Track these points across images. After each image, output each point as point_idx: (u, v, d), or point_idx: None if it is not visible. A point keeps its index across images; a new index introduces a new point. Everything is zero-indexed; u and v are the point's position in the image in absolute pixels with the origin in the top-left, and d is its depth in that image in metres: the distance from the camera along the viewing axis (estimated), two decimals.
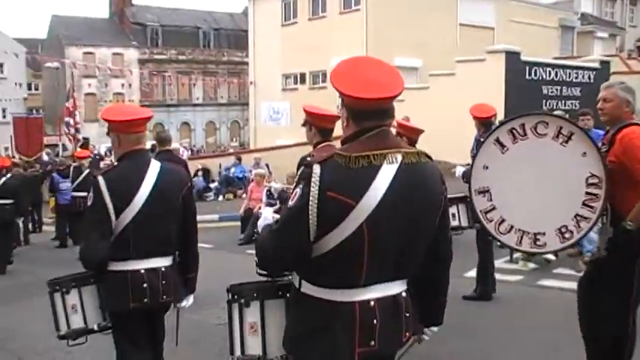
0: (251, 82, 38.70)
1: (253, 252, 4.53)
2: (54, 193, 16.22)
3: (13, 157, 25.87)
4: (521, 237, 4.90)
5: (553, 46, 35.16)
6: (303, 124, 5.53)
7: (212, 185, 25.90)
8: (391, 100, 2.76)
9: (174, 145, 11.49)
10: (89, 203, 4.08)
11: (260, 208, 14.43)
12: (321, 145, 5.42)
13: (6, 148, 30.37)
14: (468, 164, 7.85)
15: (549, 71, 21.82)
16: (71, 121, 22.82)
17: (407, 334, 2.88)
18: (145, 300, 4.12)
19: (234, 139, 60.50)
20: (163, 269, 4.23)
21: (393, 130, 3.18)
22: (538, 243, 4.88)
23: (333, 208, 2.61)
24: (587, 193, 4.65)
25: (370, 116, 2.75)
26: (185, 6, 70.83)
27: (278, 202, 14.21)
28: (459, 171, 7.80)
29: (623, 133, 4.67)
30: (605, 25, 46.02)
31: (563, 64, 23.41)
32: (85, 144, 25.54)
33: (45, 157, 29.50)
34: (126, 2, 61.39)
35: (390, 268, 2.78)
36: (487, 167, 4.89)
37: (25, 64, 57.37)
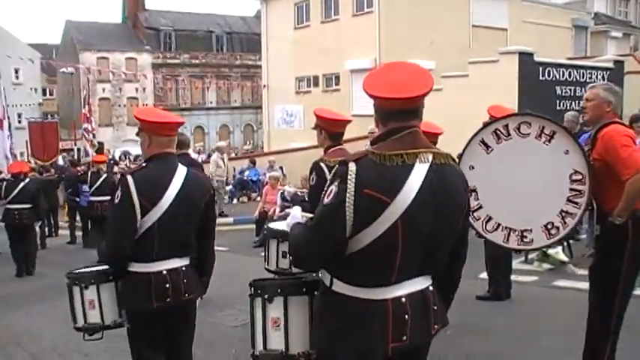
0: (264, 86, 38.72)
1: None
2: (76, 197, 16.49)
3: (29, 161, 26.05)
4: (508, 234, 5.06)
5: (566, 47, 34.99)
6: (314, 128, 5.61)
7: (226, 188, 25.97)
8: (414, 99, 2.82)
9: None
10: (116, 201, 4.13)
11: (274, 211, 14.49)
12: (333, 149, 5.49)
13: (21, 153, 30.53)
14: None
15: (563, 72, 21.72)
16: (89, 127, 22.97)
17: (435, 326, 2.96)
18: (168, 300, 4.18)
19: (248, 143, 60.58)
20: (184, 268, 4.30)
21: None
22: (525, 240, 5.03)
23: (369, 205, 2.68)
24: (572, 189, 4.81)
25: (396, 116, 2.84)
26: (198, 10, 71.34)
27: (292, 204, 14.29)
28: None
29: (604, 131, 4.79)
30: (619, 24, 45.75)
31: (576, 65, 23.29)
32: (100, 148, 25.66)
33: (60, 162, 29.69)
34: (139, 7, 61.63)
35: (418, 265, 2.85)
36: (473, 167, 5.02)
37: (40, 69, 57.71)
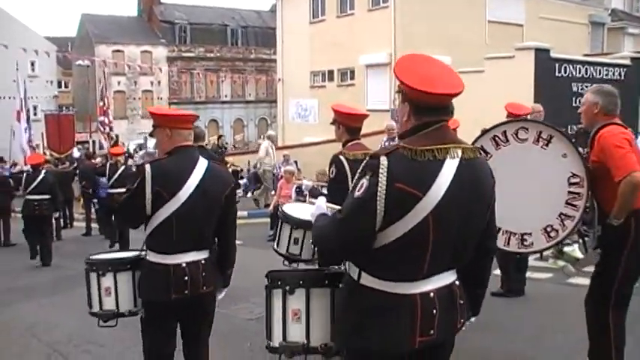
0: (279, 79, 38.72)
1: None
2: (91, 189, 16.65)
3: (44, 153, 26.21)
4: (509, 238, 5.15)
5: (583, 43, 34.77)
6: (332, 123, 5.65)
7: (241, 182, 26.01)
8: (455, 96, 2.83)
9: None
10: (132, 187, 4.21)
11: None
12: (351, 143, 5.54)
13: (37, 145, 30.72)
14: None
15: (579, 68, 21.59)
16: (105, 120, 23.11)
17: (461, 320, 2.98)
18: (186, 292, 4.21)
19: (262, 137, 60.64)
20: (203, 262, 4.33)
21: None
22: (525, 243, 5.15)
23: (400, 199, 2.67)
24: (570, 192, 4.91)
25: (432, 111, 2.83)
26: (213, 4, 71.35)
27: (308, 198, 14.30)
28: None
29: (600, 132, 4.83)
30: (636, 21, 45.39)
31: (593, 61, 23.13)
32: (115, 141, 25.79)
33: (76, 154, 29.85)
34: (154, 0, 61.78)
35: (447, 260, 2.86)
36: None
37: (56, 62, 57.94)
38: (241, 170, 26.80)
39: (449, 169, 2.74)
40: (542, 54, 20.68)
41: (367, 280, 2.84)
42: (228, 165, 25.10)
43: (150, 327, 4.38)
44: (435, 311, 2.81)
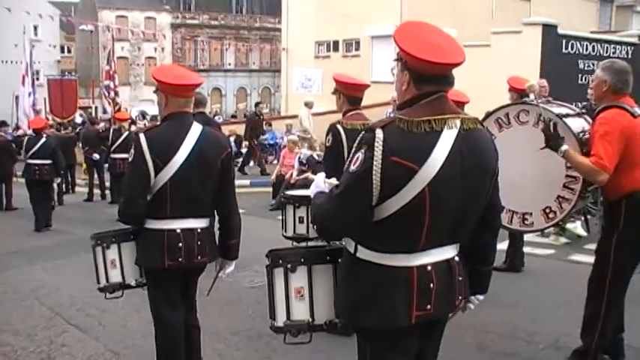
0: (283, 49, 38.52)
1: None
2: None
3: (47, 118, 26.15)
4: (512, 216, 5.38)
5: (591, 20, 34.51)
6: (333, 93, 5.69)
7: (243, 151, 25.98)
8: (457, 66, 2.77)
9: None
10: (130, 159, 4.17)
11: (292, 174, 14.52)
12: (351, 113, 5.61)
13: (39, 110, 30.68)
14: None
15: (586, 45, 21.47)
16: (111, 84, 23.01)
17: (459, 297, 2.95)
18: (180, 259, 4.20)
19: (265, 106, 60.51)
20: (199, 230, 4.30)
21: None
22: (526, 222, 5.37)
23: (396, 172, 2.61)
24: (567, 175, 5.00)
25: (433, 81, 2.76)
26: None
27: (307, 167, 14.33)
28: None
29: (601, 114, 4.80)
30: None
31: (600, 39, 23.00)
32: (118, 107, 25.73)
33: (78, 120, 29.79)
34: None
35: (446, 233, 2.82)
36: None
37: (59, 26, 57.62)
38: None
39: (446, 140, 2.68)
40: (549, 30, 20.57)
41: (363, 253, 2.80)
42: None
43: (154, 295, 4.38)
44: (431, 285, 2.78)
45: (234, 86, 62.73)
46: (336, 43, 33.54)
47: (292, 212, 4.88)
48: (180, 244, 4.20)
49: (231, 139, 25.70)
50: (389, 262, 2.76)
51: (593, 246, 9.31)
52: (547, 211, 5.18)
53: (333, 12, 31.60)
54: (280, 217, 6.01)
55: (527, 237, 8.63)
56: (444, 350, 3.16)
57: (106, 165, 16.03)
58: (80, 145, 18.60)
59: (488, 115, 5.43)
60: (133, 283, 4.43)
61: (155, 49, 59.35)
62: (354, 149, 2.76)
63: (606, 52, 21.66)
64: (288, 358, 5.43)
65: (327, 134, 5.59)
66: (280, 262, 3.22)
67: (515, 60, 18.06)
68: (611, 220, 4.82)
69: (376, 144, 2.62)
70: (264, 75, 63.39)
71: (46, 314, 7.06)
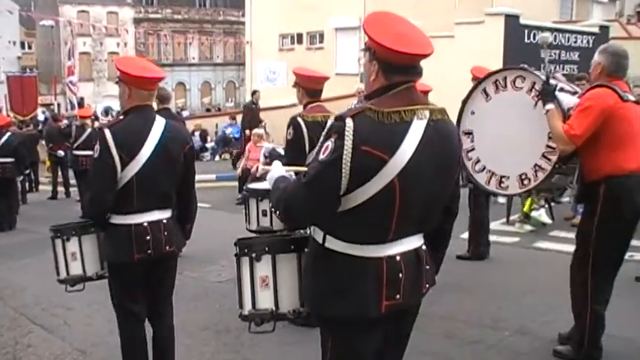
0: (247, 42, 38.38)
1: None
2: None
3: (8, 115, 25.76)
4: (490, 177, 5.57)
5: (552, 10, 34.80)
6: (294, 86, 5.80)
7: (208, 145, 25.90)
8: (426, 57, 2.78)
9: None
10: (95, 155, 4.14)
11: (257, 168, 14.48)
12: (311, 105, 5.70)
13: (0, 108, 30.19)
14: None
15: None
16: (74, 80, 22.78)
17: (426, 285, 2.96)
18: (149, 251, 4.21)
19: (230, 100, 60.24)
20: (165, 221, 4.33)
21: None
22: (502, 185, 5.53)
23: (366, 162, 2.61)
24: (548, 145, 5.09)
25: (402, 71, 2.77)
26: None
27: (270, 160, 14.31)
28: None
29: (586, 94, 4.92)
30: None
31: (562, 29, 23.24)
32: (81, 103, 25.43)
33: (40, 117, 29.36)
34: None
35: (415, 223, 2.84)
36: (473, 112, 5.65)
37: (19, 22, 56.74)
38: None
39: (416, 130, 2.70)
40: (511, 20, 20.74)
41: (332, 243, 2.80)
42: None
43: (117, 289, 4.37)
44: (400, 275, 2.79)
45: (199, 80, 62.27)
46: (299, 36, 33.50)
47: (255, 205, 4.89)
48: (148, 237, 4.21)
49: (197, 133, 25.64)
50: (358, 253, 2.76)
51: (557, 233, 9.58)
52: (523, 177, 5.31)
53: (297, 4, 31.52)
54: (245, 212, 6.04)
55: (492, 225, 8.74)
56: (412, 340, 3.17)
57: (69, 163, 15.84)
58: (44, 142, 18.35)
59: (489, 75, 5.62)
60: (94, 276, 4.41)
61: (118, 44, 58.67)
62: (322, 138, 2.75)
63: (568, 42, 21.90)
64: (257, 352, 5.44)
65: (288, 127, 5.66)
66: (246, 251, 3.23)
67: (479, 50, 18.18)
68: (590, 202, 4.88)
69: (346, 133, 2.61)
70: (228, 69, 63.02)
71: (10, 314, 6.97)
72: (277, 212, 2.90)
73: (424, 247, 2.95)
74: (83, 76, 51.32)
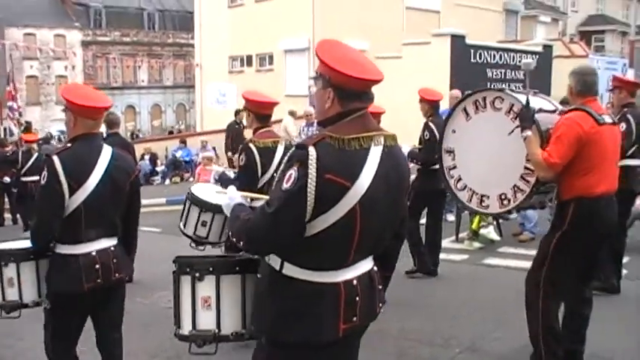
0: (197, 65, 38.33)
1: None
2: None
3: None
4: (472, 196, 5.60)
5: (497, 30, 35.53)
6: (242, 110, 5.75)
7: (159, 169, 25.70)
8: (378, 83, 2.82)
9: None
10: (43, 182, 4.08)
11: None
12: (261, 130, 5.68)
13: None
14: (414, 145, 8.10)
15: (493, 54, 22.10)
16: (14, 105, 22.35)
17: (380, 305, 3.00)
18: (99, 280, 4.15)
19: (180, 122, 59.85)
20: (112, 248, 4.27)
21: None
22: (483, 204, 5.55)
23: (330, 190, 2.64)
24: (526, 167, 5.12)
25: (357, 97, 2.80)
26: None
27: (220, 184, 14.25)
28: (405, 151, 7.97)
29: (565, 115, 4.97)
30: (548, 9, 46.79)
31: (507, 48, 23.72)
32: (28, 128, 24.99)
33: None
34: None
35: (370, 247, 2.88)
36: (455, 131, 5.73)
37: None
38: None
39: (374, 157, 2.74)
40: (457, 40, 21.09)
41: (290, 270, 2.79)
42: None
43: (57, 319, 4.29)
44: (357, 298, 2.82)
45: (149, 103, 61.73)
46: (249, 58, 33.58)
47: (197, 215, 4.82)
48: (97, 266, 4.15)
49: (146, 157, 25.42)
50: (317, 279, 2.77)
51: (506, 249, 9.72)
52: (502, 197, 5.35)
53: (246, 27, 31.61)
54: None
55: (442, 243, 8.81)
56: (365, 359, 3.18)
57: (15, 189, 15.54)
58: None
59: (468, 95, 5.65)
60: (30, 304, 4.33)
61: (66, 67, 57.91)
62: (283, 166, 2.76)
63: (513, 61, 22.35)
64: None
65: (240, 153, 5.66)
66: (188, 269, 3.19)
67: (426, 70, 18.47)
68: (559, 219, 4.95)
69: (310, 161, 2.62)
70: (178, 91, 62.64)
71: None
72: (240, 242, 2.89)
73: (375, 268, 2.98)
74: (30, 99, 50.65)
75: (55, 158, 4.06)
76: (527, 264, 8.64)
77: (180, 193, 18.99)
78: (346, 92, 2.79)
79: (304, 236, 2.72)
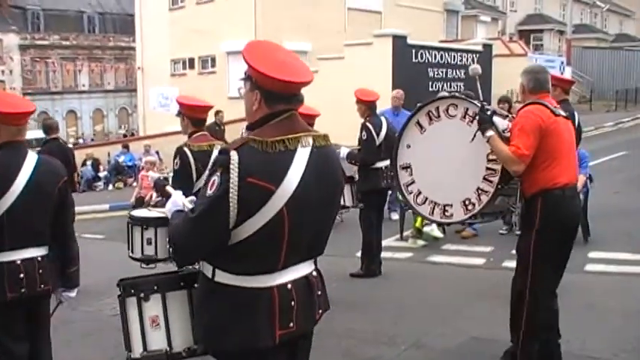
0: (139, 68, 37.92)
1: None
2: None
3: None
4: (433, 208, 5.50)
5: (438, 30, 35.98)
6: (177, 114, 5.73)
7: (101, 174, 25.33)
8: (306, 85, 2.81)
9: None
10: None
11: (151, 196, 14.23)
12: (196, 134, 5.66)
13: None
14: (353, 147, 8.15)
15: (435, 54, 22.40)
16: None
17: (320, 311, 2.96)
18: (23, 290, 4.04)
19: (123, 127, 59.09)
20: (39, 259, 4.15)
21: None
22: (447, 214, 5.46)
23: (253, 194, 2.60)
24: (488, 168, 5.12)
25: (284, 99, 2.78)
26: None
27: (155, 189, 14.06)
28: (344, 152, 8.04)
29: (519, 112, 5.04)
30: (488, 9, 47.57)
31: (448, 47, 24.09)
32: None
33: None
34: None
35: (304, 250, 2.84)
36: (409, 146, 5.62)
37: None
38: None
39: (301, 158, 2.71)
40: (399, 41, 21.31)
41: (222, 277, 2.76)
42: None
43: None
44: (292, 303, 2.78)
45: (90, 108, 60.72)
46: (191, 61, 33.36)
47: (140, 234, 4.77)
48: (22, 275, 4.04)
49: (88, 163, 25.04)
50: (249, 284, 2.74)
51: (449, 246, 9.85)
52: (466, 202, 5.29)
53: (188, 29, 31.40)
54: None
55: (386, 242, 8.89)
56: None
57: None
58: None
59: (420, 107, 5.58)
60: None
61: (3, 71, 56.61)
62: (208, 172, 2.75)
63: (453, 60, 22.69)
64: None
65: (175, 157, 5.60)
66: (132, 291, 3.14)
67: (368, 71, 18.59)
68: (529, 217, 4.96)
69: (232, 166, 2.60)
70: (120, 95, 61.77)
71: None
72: (170, 250, 2.87)
73: (314, 273, 2.95)
74: None
75: None
76: (471, 260, 8.93)
77: (123, 198, 18.80)
78: (272, 94, 2.77)
79: (233, 242, 2.69)
